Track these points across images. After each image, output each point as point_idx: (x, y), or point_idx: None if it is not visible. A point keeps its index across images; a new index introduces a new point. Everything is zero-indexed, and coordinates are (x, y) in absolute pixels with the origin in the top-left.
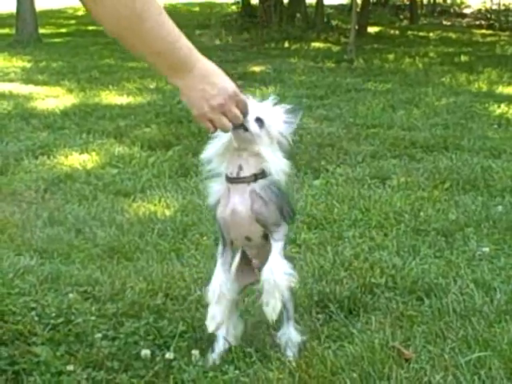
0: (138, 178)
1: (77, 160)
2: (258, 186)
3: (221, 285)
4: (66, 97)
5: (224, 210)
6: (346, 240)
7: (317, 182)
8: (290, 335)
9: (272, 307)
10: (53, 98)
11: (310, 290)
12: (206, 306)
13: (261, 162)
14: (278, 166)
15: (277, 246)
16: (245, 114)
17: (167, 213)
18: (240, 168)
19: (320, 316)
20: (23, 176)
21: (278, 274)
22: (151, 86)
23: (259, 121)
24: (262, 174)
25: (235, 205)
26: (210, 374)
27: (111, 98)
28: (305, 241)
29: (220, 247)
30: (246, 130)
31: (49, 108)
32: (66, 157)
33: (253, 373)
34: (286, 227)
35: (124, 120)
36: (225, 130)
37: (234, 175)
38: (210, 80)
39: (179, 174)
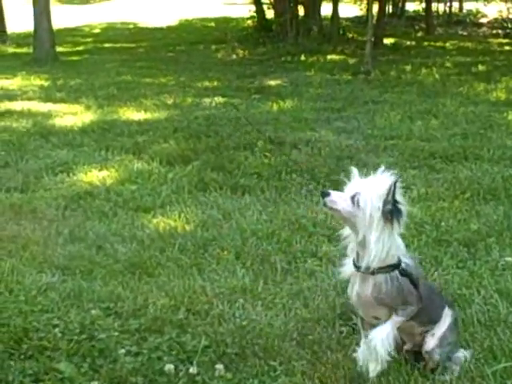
0: (157, 194)
1: (96, 177)
2: (377, 278)
3: None
4: (84, 114)
5: (351, 291)
6: None
7: None
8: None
9: (371, 369)
10: (71, 116)
11: (333, 302)
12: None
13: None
14: (381, 252)
15: (395, 319)
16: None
17: (187, 228)
18: (357, 255)
19: (343, 329)
20: (43, 194)
21: (380, 342)
22: (169, 102)
23: (353, 197)
24: (381, 268)
25: (357, 289)
26: None
27: (129, 114)
28: (326, 253)
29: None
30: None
31: (67, 125)
32: (86, 174)
33: None
34: (413, 308)
35: (142, 136)
36: None
37: (355, 262)
38: None
39: (198, 189)
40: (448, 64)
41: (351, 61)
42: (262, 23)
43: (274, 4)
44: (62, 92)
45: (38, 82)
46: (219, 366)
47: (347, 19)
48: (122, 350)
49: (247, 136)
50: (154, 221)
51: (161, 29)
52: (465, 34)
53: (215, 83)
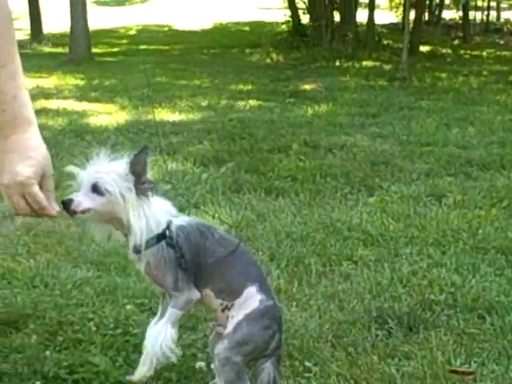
0: (191, 194)
1: None
2: (146, 253)
3: None
4: (118, 114)
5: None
6: (404, 257)
7: (371, 200)
8: None
9: (140, 373)
10: (106, 115)
11: (368, 305)
12: None
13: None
14: (144, 225)
15: (170, 314)
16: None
17: (222, 228)
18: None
19: (379, 332)
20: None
21: (157, 343)
22: (203, 104)
23: (95, 187)
24: (148, 242)
25: (142, 271)
26: None
27: (163, 115)
28: (361, 257)
29: None
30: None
31: (102, 124)
32: None
33: None
34: (186, 297)
35: (176, 137)
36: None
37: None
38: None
39: (232, 190)
40: (485, 72)
41: (386, 67)
42: (296, 28)
43: (310, 9)
44: (96, 92)
45: (73, 81)
46: None
47: (383, 26)
48: None
49: (282, 139)
50: None
51: (195, 32)
52: (502, 42)
53: (249, 86)
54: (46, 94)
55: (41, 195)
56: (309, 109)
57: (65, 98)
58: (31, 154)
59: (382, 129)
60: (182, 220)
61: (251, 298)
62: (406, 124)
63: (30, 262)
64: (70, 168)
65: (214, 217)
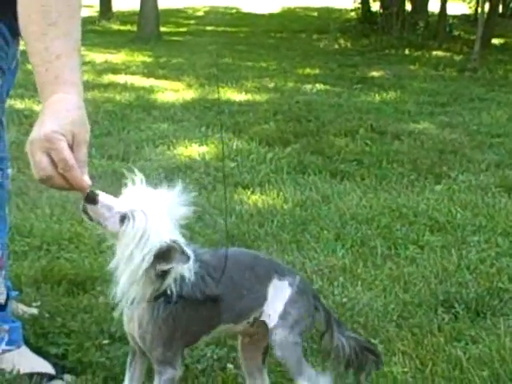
0: (256, 172)
1: (196, 151)
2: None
3: None
4: (185, 91)
5: None
6: (471, 244)
7: (438, 188)
8: None
9: None
10: (173, 92)
11: (435, 289)
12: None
13: None
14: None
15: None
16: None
17: (286, 206)
18: None
19: (445, 315)
20: (144, 163)
21: None
22: (269, 86)
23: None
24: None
25: None
26: None
27: (230, 94)
28: (427, 242)
29: None
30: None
31: (169, 101)
32: (186, 148)
33: None
34: (170, 375)
35: (242, 116)
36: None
37: None
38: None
39: (297, 171)
40: None
41: (457, 58)
42: (366, 15)
43: None
44: (164, 69)
45: (141, 58)
46: None
47: (454, 16)
48: None
49: (348, 123)
50: (253, 197)
51: (263, 15)
52: None
53: (316, 71)
54: (114, 69)
55: (68, 152)
56: (376, 95)
57: (132, 73)
58: (64, 113)
59: (452, 118)
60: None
61: (280, 290)
62: (476, 114)
63: (96, 229)
64: (135, 171)
65: (278, 195)
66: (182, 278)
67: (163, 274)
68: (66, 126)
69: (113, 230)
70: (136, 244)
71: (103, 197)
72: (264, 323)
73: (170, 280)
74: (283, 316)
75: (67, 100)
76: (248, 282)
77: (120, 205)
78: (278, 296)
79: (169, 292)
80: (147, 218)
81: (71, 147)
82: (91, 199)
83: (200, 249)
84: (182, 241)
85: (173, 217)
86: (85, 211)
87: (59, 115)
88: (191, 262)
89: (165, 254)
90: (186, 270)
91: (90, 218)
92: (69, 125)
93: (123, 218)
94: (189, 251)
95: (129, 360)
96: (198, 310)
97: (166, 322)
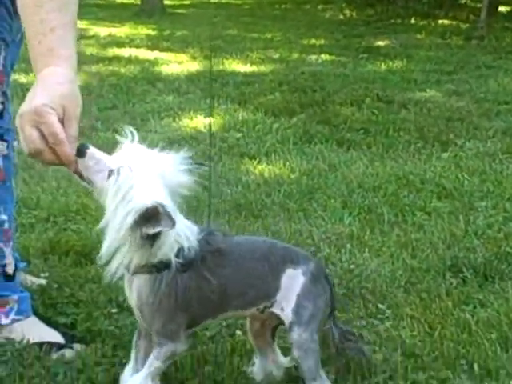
0: (262, 143)
1: (201, 123)
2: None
3: None
4: (190, 63)
5: None
6: (479, 210)
7: (445, 155)
8: None
9: None
10: (177, 64)
11: (443, 254)
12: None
13: None
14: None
15: (151, 365)
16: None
17: (292, 176)
18: None
19: (453, 280)
20: (149, 136)
21: None
22: (274, 57)
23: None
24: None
25: None
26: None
27: (235, 66)
28: (435, 209)
29: None
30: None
31: (174, 73)
32: (191, 119)
33: (383, 329)
34: (171, 347)
35: (248, 87)
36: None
37: None
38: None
39: (303, 141)
40: None
41: (463, 26)
42: None
43: None
44: (168, 42)
45: (145, 31)
46: None
47: None
48: None
49: (354, 93)
50: (259, 167)
51: None
52: None
53: (322, 41)
54: (118, 43)
55: (58, 126)
56: (382, 65)
57: (137, 46)
58: (55, 87)
59: (458, 86)
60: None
61: (293, 280)
62: (482, 82)
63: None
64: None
65: (284, 165)
66: (182, 248)
67: (150, 239)
68: (57, 99)
69: (101, 187)
70: (120, 200)
71: (93, 150)
72: (275, 313)
73: (162, 248)
74: (298, 311)
75: (59, 73)
76: (261, 271)
77: (110, 161)
78: (292, 286)
79: (166, 260)
80: (133, 175)
81: (62, 122)
82: (80, 152)
83: (213, 230)
84: (169, 205)
85: (169, 182)
86: (75, 171)
87: (50, 88)
88: (177, 227)
89: (150, 217)
90: (184, 240)
91: (81, 176)
92: (59, 98)
93: (110, 174)
94: (174, 216)
95: (134, 339)
96: (205, 293)
97: (168, 297)
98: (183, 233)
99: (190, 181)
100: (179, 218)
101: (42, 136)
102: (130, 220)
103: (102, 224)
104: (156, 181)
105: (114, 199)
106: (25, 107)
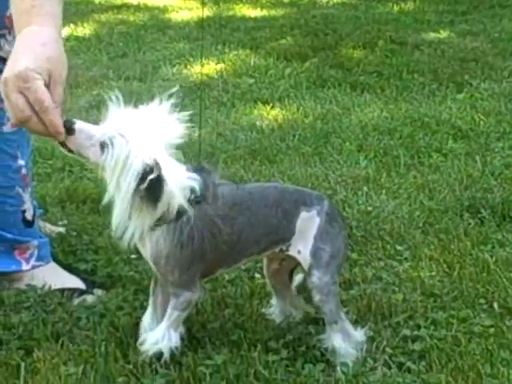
0: (275, 88)
1: (213, 69)
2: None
3: None
4: (200, 9)
5: None
6: (496, 151)
7: (460, 96)
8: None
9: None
10: (187, 11)
11: (460, 195)
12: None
13: None
14: None
15: (171, 315)
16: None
17: (306, 120)
18: None
19: (471, 220)
20: (161, 83)
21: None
22: (285, 0)
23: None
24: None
25: None
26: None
27: (245, 11)
28: (451, 150)
29: None
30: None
31: (184, 20)
32: (203, 66)
33: (402, 270)
34: (187, 297)
35: (259, 32)
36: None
37: None
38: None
39: (317, 85)
40: None
41: None
42: None
43: None
44: None
45: None
46: None
47: None
48: None
49: (367, 35)
50: (273, 112)
51: None
52: None
53: None
54: None
55: (44, 92)
56: (394, 6)
57: None
58: (40, 48)
59: (472, 26)
60: None
61: (308, 222)
62: (497, 22)
63: None
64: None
65: (298, 110)
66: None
67: (155, 195)
68: (42, 62)
69: (96, 161)
70: (120, 172)
71: (81, 125)
72: (291, 256)
73: (171, 201)
74: (316, 253)
75: (43, 33)
76: (275, 217)
77: (100, 132)
78: (308, 228)
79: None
80: (127, 142)
81: (48, 86)
82: (68, 129)
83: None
84: (168, 159)
85: (162, 136)
86: (62, 144)
87: (34, 50)
88: (176, 177)
89: (150, 175)
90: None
91: (70, 150)
92: (45, 61)
93: (103, 147)
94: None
95: (152, 285)
96: (219, 243)
97: (186, 248)
98: (184, 182)
99: (181, 129)
100: (177, 167)
101: (29, 102)
102: (133, 185)
103: (106, 198)
104: (150, 139)
105: (114, 172)
106: (8, 72)
